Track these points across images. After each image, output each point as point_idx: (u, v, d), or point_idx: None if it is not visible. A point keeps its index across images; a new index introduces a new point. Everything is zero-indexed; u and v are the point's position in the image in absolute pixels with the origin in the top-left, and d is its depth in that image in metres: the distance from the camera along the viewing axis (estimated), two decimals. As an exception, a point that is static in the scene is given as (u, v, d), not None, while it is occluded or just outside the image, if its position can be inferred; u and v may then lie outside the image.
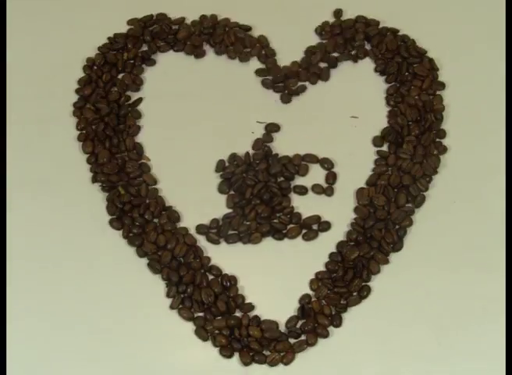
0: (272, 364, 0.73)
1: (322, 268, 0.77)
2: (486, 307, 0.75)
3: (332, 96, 0.86)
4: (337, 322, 0.74)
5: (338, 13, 0.89)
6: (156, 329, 0.74)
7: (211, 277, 0.77)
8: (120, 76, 0.86)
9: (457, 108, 0.84)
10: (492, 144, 0.82)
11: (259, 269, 0.77)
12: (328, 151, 0.82)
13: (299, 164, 0.82)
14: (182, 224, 0.79)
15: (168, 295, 0.75)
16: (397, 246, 0.77)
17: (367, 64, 0.88)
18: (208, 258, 0.77)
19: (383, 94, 0.86)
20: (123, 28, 0.89)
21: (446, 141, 0.83)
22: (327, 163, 0.82)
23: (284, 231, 0.78)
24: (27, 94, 0.85)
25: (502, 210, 0.77)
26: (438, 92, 0.85)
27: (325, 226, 0.79)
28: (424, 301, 0.75)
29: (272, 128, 0.84)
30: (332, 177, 0.81)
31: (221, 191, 0.80)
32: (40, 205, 0.80)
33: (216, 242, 0.78)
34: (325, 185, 0.81)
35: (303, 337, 0.74)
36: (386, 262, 0.77)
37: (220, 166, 0.81)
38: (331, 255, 0.77)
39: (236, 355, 0.73)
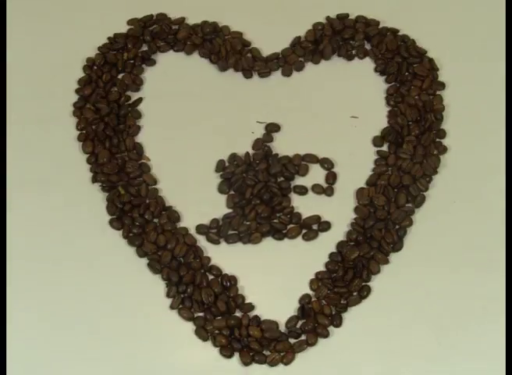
0: (272, 364, 0.73)
1: (322, 268, 0.77)
2: (486, 307, 0.75)
3: (332, 96, 0.86)
4: (337, 322, 0.74)
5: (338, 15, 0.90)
6: (156, 329, 0.74)
7: (211, 277, 0.76)
8: (120, 76, 0.86)
9: (457, 108, 0.84)
10: (492, 144, 0.82)
11: (259, 269, 0.77)
12: (328, 151, 0.82)
13: (299, 164, 0.82)
14: (182, 224, 0.79)
15: (168, 295, 0.75)
16: (397, 246, 0.77)
17: (367, 64, 0.88)
18: (208, 258, 0.77)
19: (383, 94, 0.86)
20: (123, 28, 0.89)
21: (446, 141, 0.83)
22: (327, 163, 0.82)
23: (284, 231, 0.78)
24: (27, 94, 0.85)
25: (502, 210, 0.77)
26: (438, 92, 0.85)
27: (325, 226, 0.79)
28: (424, 301, 0.75)
29: (272, 128, 0.84)
30: (332, 177, 0.81)
31: (221, 191, 0.80)
32: (40, 204, 0.79)
33: (216, 242, 0.78)
34: (325, 185, 0.81)
35: (303, 337, 0.74)
36: (386, 262, 0.77)
37: (220, 166, 0.81)
38: (331, 255, 0.77)
39: (236, 355, 0.73)
